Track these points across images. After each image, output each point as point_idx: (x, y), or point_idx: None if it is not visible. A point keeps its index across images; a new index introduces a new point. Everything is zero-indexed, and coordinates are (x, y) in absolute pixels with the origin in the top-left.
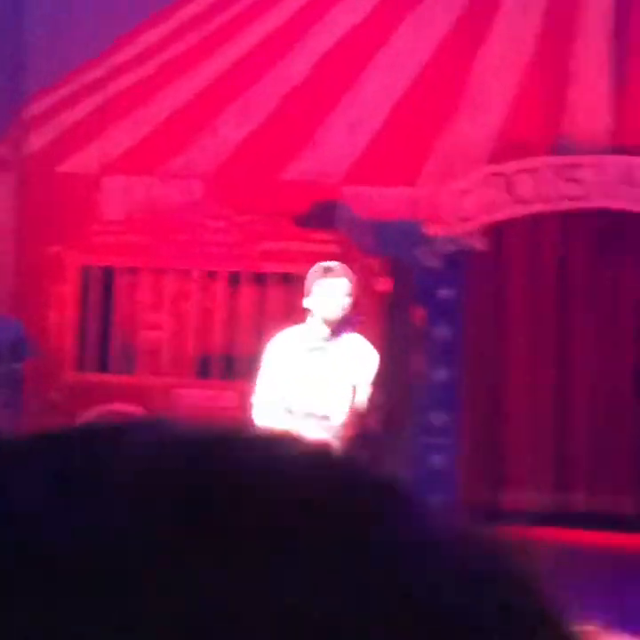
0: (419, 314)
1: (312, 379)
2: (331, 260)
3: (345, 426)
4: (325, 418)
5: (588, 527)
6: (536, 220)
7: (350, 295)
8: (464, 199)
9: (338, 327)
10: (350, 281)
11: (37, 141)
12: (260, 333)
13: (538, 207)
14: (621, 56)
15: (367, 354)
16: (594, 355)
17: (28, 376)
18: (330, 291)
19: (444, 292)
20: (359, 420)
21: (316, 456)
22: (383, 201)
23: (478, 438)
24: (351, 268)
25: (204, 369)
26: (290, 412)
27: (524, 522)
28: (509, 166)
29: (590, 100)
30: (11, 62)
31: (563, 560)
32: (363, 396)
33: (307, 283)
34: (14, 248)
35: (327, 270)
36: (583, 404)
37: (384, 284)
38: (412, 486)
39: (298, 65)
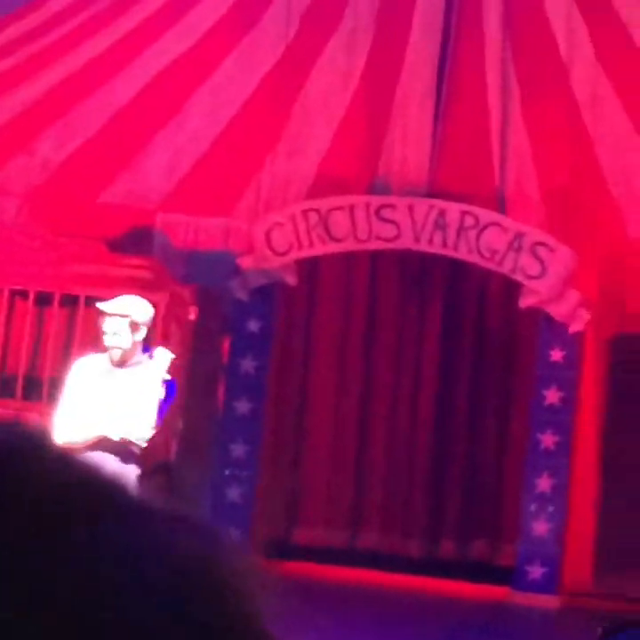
0: (225, 345)
1: (104, 403)
2: (142, 285)
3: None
4: (124, 441)
5: (377, 567)
6: (348, 258)
7: (136, 327)
8: (278, 233)
9: (126, 356)
10: (133, 315)
11: None
12: (67, 356)
13: (350, 245)
14: (443, 101)
15: (155, 374)
16: (397, 390)
17: None
18: (108, 331)
19: (252, 324)
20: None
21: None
22: (199, 230)
23: (278, 472)
24: (160, 296)
25: (6, 388)
26: (86, 434)
27: (315, 559)
28: (325, 203)
29: (409, 143)
30: None
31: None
32: (148, 416)
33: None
34: None
35: (103, 311)
36: (383, 442)
37: (194, 313)
38: (205, 517)
39: (124, 88)
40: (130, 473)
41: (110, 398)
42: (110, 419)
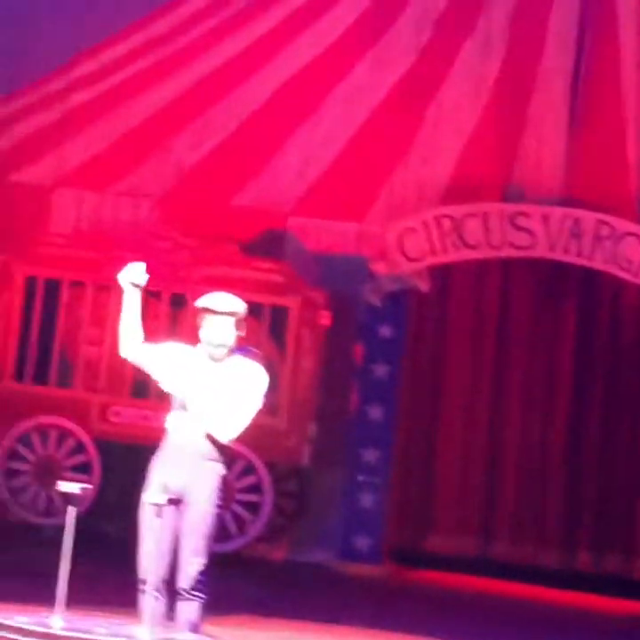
0: (358, 350)
1: (198, 389)
2: (274, 289)
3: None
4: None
5: (510, 577)
6: (481, 265)
7: (239, 328)
8: (411, 239)
9: (224, 357)
10: (237, 316)
11: None
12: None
13: (484, 252)
14: (579, 109)
15: (251, 371)
16: (529, 399)
17: None
18: (217, 328)
19: (384, 330)
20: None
21: None
22: (331, 235)
23: (410, 478)
24: (292, 300)
25: (140, 388)
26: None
27: (447, 567)
28: (458, 210)
29: (544, 150)
30: None
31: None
32: (244, 408)
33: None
34: None
35: (211, 309)
36: (515, 450)
37: (325, 318)
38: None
39: (257, 92)
40: (213, 471)
41: (207, 392)
42: (204, 411)
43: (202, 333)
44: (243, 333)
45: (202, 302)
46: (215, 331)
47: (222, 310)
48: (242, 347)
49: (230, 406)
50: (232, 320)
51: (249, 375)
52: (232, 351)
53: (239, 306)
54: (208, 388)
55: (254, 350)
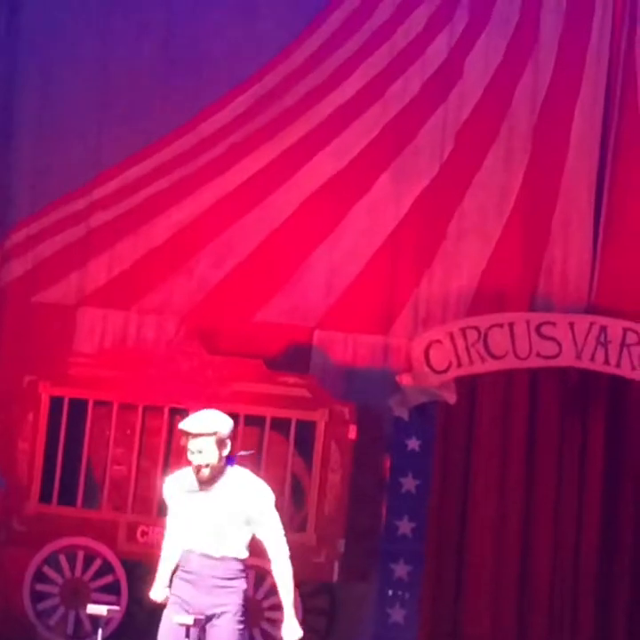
0: (386, 463)
1: (197, 520)
2: (301, 404)
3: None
4: (221, 559)
5: None
6: (508, 375)
7: (223, 443)
8: (437, 351)
9: (214, 474)
10: (219, 432)
11: (16, 271)
12: None
13: (510, 363)
14: (604, 215)
15: (252, 487)
16: (559, 512)
17: None
18: (194, 450)
19: (412, 443)
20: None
21: None
22: (357, 348)
23: (441, 592)
24: (319, 414)
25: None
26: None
27: None
28: (484, 320)
29: (570, 259)
30: None
31: None
32: (268, 531)
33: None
34: None
35: (187, 432)
36: (548, 565)
37: (353, 432)
38: None
39: (279, 207)
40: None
41: (198, 515)
42: (206, 536)
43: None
44: (227, 451)
45: (181, 425)
46: (194, 453)
47: (197, 431)
48: (230, 458)
49: (269, 535)
50: (212, 440)
51: (250, 495)
52: (220, 471)
53: (218, 424)
54: (199, 517)
55: (242, 454)
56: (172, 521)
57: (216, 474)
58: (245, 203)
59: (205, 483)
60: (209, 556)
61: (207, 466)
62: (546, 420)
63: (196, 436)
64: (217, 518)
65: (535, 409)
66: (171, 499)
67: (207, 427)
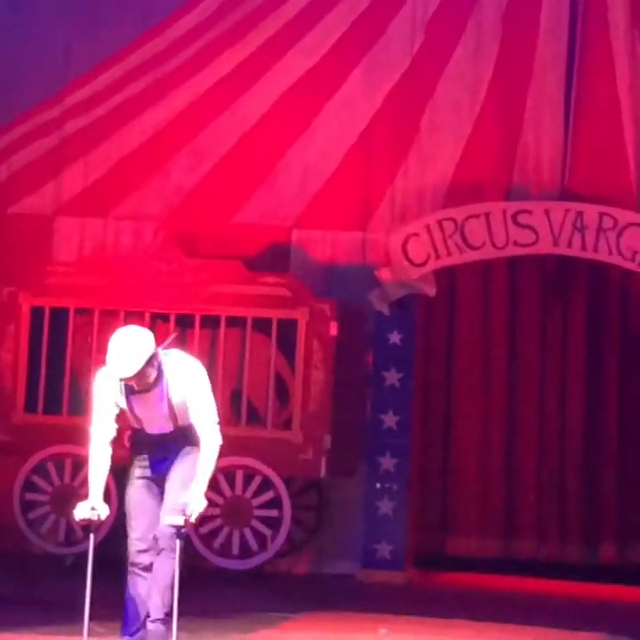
0: (368, 358)
1: (141, 414)
2: (281, 303)
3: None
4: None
5: (534, 575)
6: (486, 265)
7: (151, 365)
8: (415, 244)
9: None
10: (144, 366)
11: None
12: (211, 375)
13: (488, 252)
14: (574, 102)
15: (181, 374)
16: (543, 397)
17: None
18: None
19: (394, 336)
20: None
21: None
22: (335, 244)
23: (428, 483)
24: (300, 313)
25: None
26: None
27: (472, 569)
28: (460, 211)
29: (543, 147)
30: None
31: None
32: (195, 413)
33: None
34: None
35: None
36: (533, 449)
37: (334, 328)
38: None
39: (251, 108)
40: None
41: (146, 411)
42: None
43: None
44: (157, 360)
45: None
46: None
47: (130, 375)
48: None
49: (196, 411)
50: (144, 370)
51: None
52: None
53: (142, 355)
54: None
55: (168, 342)
56: (103, 414)
57: (154, 382)
58: (217, 105)
59: (145, 389)
60: (162, 434)
61: (147, 383)
62: (526, 308)
63: (134, 375)
64: (160, 411)
65: (515, 298)
66: (105, 394)
67: (134, 367)
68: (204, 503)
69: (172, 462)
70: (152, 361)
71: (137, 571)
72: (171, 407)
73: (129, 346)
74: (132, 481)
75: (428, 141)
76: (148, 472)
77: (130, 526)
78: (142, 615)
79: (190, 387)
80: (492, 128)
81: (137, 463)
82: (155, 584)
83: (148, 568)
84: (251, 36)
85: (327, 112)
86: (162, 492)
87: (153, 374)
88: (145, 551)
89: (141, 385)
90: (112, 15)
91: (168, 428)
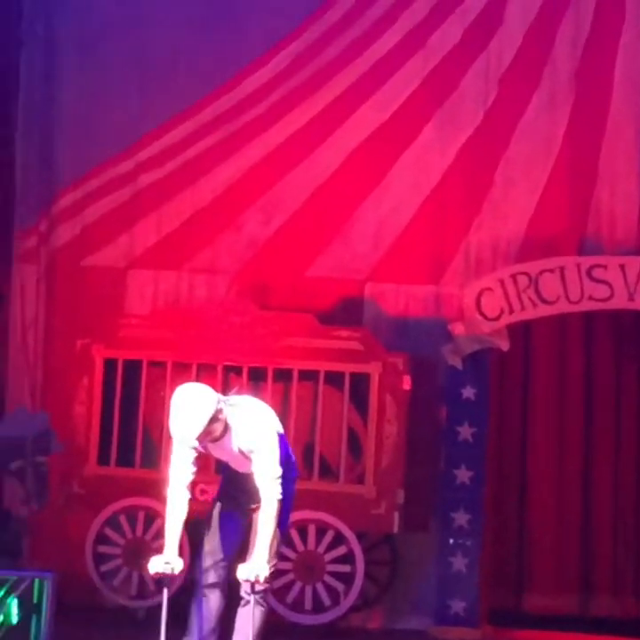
0: (442, 413)
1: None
2: (354, 357)
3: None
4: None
5: (611, 632)
6: (561, 320)
7: (216, 421)
8: (488, 298)
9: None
10: (208, 425)
11: (65, 234)
12: (284, 428)
13: (562, 307)
14: None
15: (248, 425)
16: (619, 453)
17: (52, 469)
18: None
19: (467, 391)
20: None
21: None
22: (408, 299)
23: (502, 539)
24: (373, 366)
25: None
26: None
27: (548, 626)
28: (534, 266)
29: (618, 200)
30: (41, 156)
31: None
32: (257, 464)
33: None
34: (42, 340)
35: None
36: (608, 505)
37: (407, 382)
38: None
39: (324, 162)
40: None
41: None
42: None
43: None
44: (223, 415)
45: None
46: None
47: (196, 436)
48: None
49: (257, 463)
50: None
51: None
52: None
53: (203, 415)
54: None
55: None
56: (182, 456)
57: (221, 435)
58: (290, 159)
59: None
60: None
61: (214, 438)
62: (601, 363)
63: (198, 437)
64: (235, 455)
65: (590, 353)
66: (182, 443)
67: (196, 429)
68: (267, 569)
69: (256, 502)
70: (216, 417)
71: (203, 591)
72: (242, 454)
73: (190, 407)
74: (214, 510)
75: (501, 195)
76: (233, 504)
77: (205, 542)
78: (204, 633)
79: (252, 439)
80: (566, 182)
81: (223, 494)
82: (237, 633)
83: (212, 586)
84: (323, 91)
85: (400, 166)
86: (242, 522)
87: (218, 429)
88: (211, 569)
89: (207, 440)
90: (185, 69)
91: (249, 467)
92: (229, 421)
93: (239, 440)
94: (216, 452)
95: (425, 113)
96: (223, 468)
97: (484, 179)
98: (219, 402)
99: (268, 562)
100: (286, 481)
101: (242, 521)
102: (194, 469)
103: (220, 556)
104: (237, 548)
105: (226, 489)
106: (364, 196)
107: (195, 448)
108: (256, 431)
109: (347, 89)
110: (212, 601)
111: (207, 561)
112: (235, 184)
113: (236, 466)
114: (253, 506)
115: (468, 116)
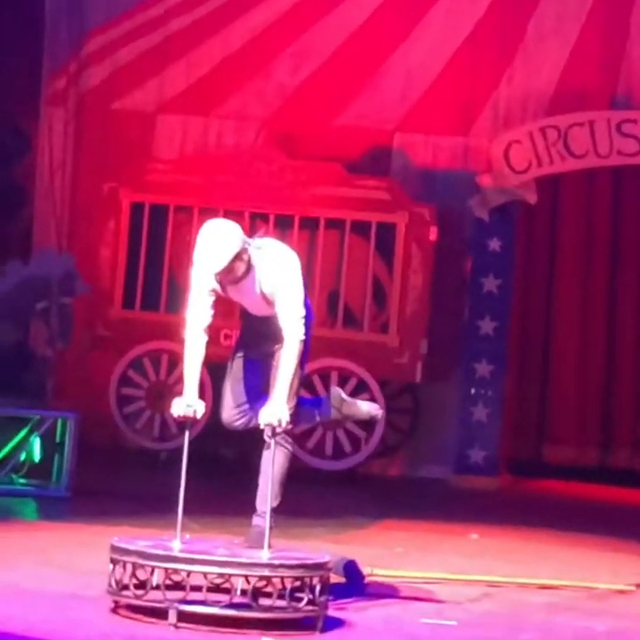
0: (467, 264)
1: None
2: (381, 206)
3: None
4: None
5: (630, 484)
6: (589, 174)
7: (240, 259)
8: (517, 151)
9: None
10: (233, 259)
11: (94, 77)
12: (308, 277)
13: (591, 161)
14: None
15: (271, 264)
16: None
17: (77, 311)
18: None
19: (493, 243)
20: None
21: None
22: (437, 150)
23: (524, 391)
24: (399, 217)
25: None
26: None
27: (567, 477)
28: (564, 119)
29: None
30: None
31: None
32: (281, 306)
33: None
34: (69, 183)
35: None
36: (631, 360)
37: (434, 233)
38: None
39: (355, 10)
40: None
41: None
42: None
43: None
44: (247, 255)
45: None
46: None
47: (220, 268)
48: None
49: (281, 303)
50: (232, 263)
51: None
52: (240, 267)
53: (231, 248)
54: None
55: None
56: (200, 299)
57: (242, 275)
58: (321, 6)
59: (234, 282)
60: (266, 316)
61: (235, 277)
62: (629, 217)
63: (220, 271)
64: (255, 299)
65: (618, 207)
66: (201, 280)
67: (221, 262)
68: (287, 412)
69: (276, 347)
70: (240, 255)
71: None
72: (264, 297)
73: (216, 240)
74: (235, 356)
75: (532, 48)
76: (253, 349)
77: (226, 386)
78: None
79: (277, 280)
80: (598, 37)
81: (243, 340)
82: (261, 476)
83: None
84: None
85: (432, 16)
86: (263, 366)
87: (241, 268)
88: (234, 413)
89: (229, 279)
90: None
91: (270, 311)
92: (254, 263)
93: (264, 281)
94: (235, 294)
95: None
96: (242, 314)
97: (516, 31)
98: (244, 242)
99: (288, 402)
100: (307, 323)
101: (262, 365)
102: (211, 312)
103: (243, 399)
104: (259, 391)
105: (245, 334)
106: (395, 46)
107: (213, 291)
108: (282, 272)
109: None
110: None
111: (229, 404)
112: (265, 31)
113: (256, 310)
114: (274, 348)
115: None
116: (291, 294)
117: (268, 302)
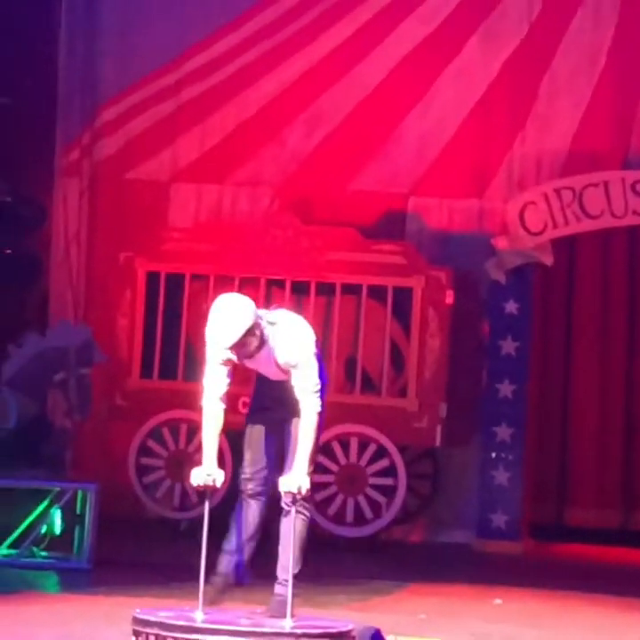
0: (485, 327)
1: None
2: (397, 271)
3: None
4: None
5: None
6: (605, 235)
7: (253, 333)
8: (532, 212)
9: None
10: (245, 334)
11: (108, 148)
12: (325, 342)
13: (606, 222)
14: None
15: (288, 341)
16: None
17: (95, 381)
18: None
19: (510, 306)
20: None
21: None
22: (452, 213)
23: (545, 454)
24: (415, 280)
25: None
26: None
27: (589, 540)
28: (578, 180)
29: None
30: (84, 69)
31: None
32: (297, 379)
33: None
34: (85, 253)
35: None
36: None
37: (450, 297)
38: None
39: (368, 75)
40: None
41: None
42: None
43: None
44: (259, 330)
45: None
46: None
47: (231, 343)
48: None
49: (296, 377)
50: (244, 338)
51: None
52: (252, 342)
53: (242, 322)
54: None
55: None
56: (216, 368)
57: (255, 349)
58: (334, 72)
59: (247, 356)
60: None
61: (248, 351)
62: None
63: (231, 346)
64: (271, 368)
65: (634, 267)
66: (216, 351)
67: (233, 337)
68: (308, 480)
69: (290, 412)
70: (252, 330)
71: (245, 497)
72: (278, 367)
73: (228, 315)
74: (252, 417)
75: (545, 109)
76: (267, 412)
77: (244, 455)
78: (243, 538)
79: (292, 355)
80: (610, 97)
81: (257, 404)
82: (281, 543)
83: (254, 496)
84: (368, 4)
85: (444, 79)
86: (278, 432)
87: (254, 343)
88: (250, 479)
89: (242, 353)
90: None
91: (286, 377)
92: (267, 337)
93: (278, 355)
94: (250, 363)
95: (470, 25)
96: (257, 377)
97: (529, 92)
98: (257, 316)
99: (308, 470)
100: (322, 394)
101: (277, 431)
102: (228, 381)
103: (261, 465)
104: (276, 457)
105: (261, 397)
106: (408, 110)
107: (228, 360)
108: (296, 347)
109: (391, 2)
110: (253, 508)
111: (247, 471)
112: (278, 97)
113: (272, 376)
114: (289, 414)
115: (513, 28)
116: (305, 368)
117: (284, 371)
